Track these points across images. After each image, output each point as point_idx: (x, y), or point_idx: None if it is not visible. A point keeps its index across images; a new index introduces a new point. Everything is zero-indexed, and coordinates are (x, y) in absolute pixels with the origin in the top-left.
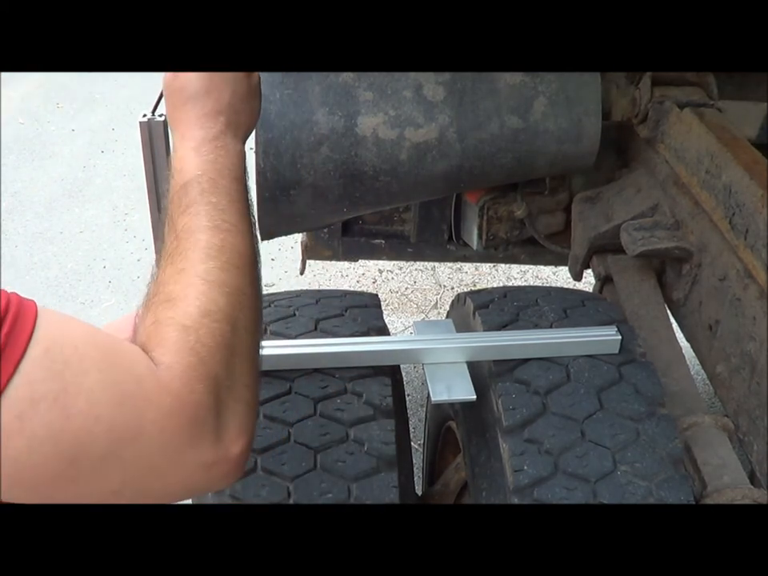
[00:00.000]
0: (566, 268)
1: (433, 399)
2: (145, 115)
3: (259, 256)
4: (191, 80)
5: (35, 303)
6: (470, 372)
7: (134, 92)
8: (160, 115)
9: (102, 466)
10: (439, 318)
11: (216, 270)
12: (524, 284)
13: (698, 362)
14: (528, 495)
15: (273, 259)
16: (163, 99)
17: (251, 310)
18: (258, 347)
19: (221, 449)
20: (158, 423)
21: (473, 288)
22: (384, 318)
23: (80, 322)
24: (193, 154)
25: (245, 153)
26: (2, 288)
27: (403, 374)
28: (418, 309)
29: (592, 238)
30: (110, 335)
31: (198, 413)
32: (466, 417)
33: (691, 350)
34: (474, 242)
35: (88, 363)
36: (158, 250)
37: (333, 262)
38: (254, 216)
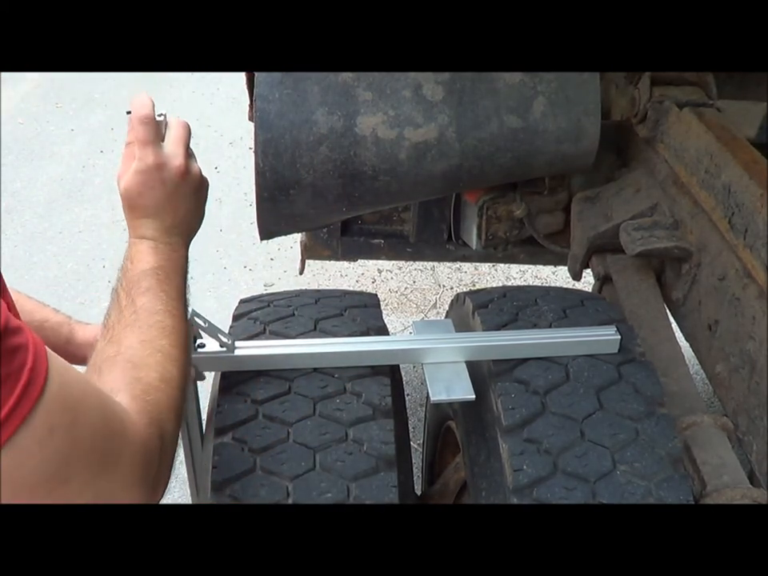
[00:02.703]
0: (566, 268)
1: (432, 399)
2: None
3: (191, 339)
4: (155, 200)
5: (38, 337)
6: (469, 372)
7: (134, 92)
8: (159, 115)
9: (81, 489)
10: (438, 318)
11: (168, 347)
12: (523, 284)
13: (697, 362)
14: (527, 495)
15: (272, 259)
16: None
17: (187, 382)
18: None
19: (151, 491)
20: (130, 459)
21: (472, 288)
22: (383, 317)
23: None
24: (152, 252)
25: (188, 256)
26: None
27: (402, 373)
28: (418, 309)
29: (591, 237)
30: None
31: (153, 457)
32: (466, 416)
33: (691, 350)
34: (473, 241)
35: (91, 401)
36: (111, 315)
37: (332, 262)
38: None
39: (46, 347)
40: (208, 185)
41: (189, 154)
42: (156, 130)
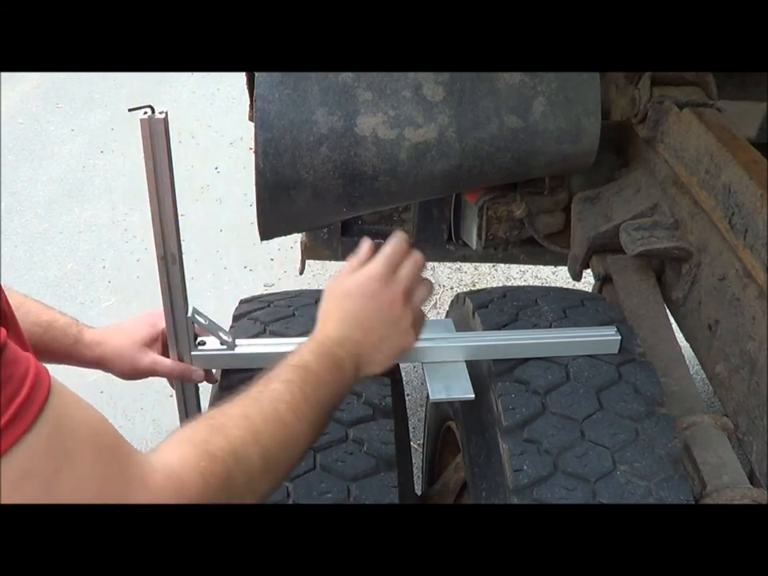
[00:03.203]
0: (566, 268)
1: (431, 398)
2: (146, 112)
3: (306, 452)
4: (358, 310)
5: (48, 372)
6: (469, 372)
7: (134, 92)
8: (160, 112)
9: None
10: (439, 318)
11: (268, 438)
12: (523, 284)
13: (697, 362)
14: (527, 495)
15: (272, 259)
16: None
17: (267, 487)
18: None
19: None
20: None
21: (472, 288)
22: None
23: (90, 406)
24: (317, 355)
25: (352, 384)
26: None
27: (402, 373)
28: None
29: (591, 237)
30: (117, 432)
31: None
32: (466, 416)
33: (691, 350)
34: (473, 241)
35: (86, 452)
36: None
37: (332, 262)
38: (329, 421)
39: (53, 378)
40: (417, 333)
41: (415, 291)
42: (398, 263)
